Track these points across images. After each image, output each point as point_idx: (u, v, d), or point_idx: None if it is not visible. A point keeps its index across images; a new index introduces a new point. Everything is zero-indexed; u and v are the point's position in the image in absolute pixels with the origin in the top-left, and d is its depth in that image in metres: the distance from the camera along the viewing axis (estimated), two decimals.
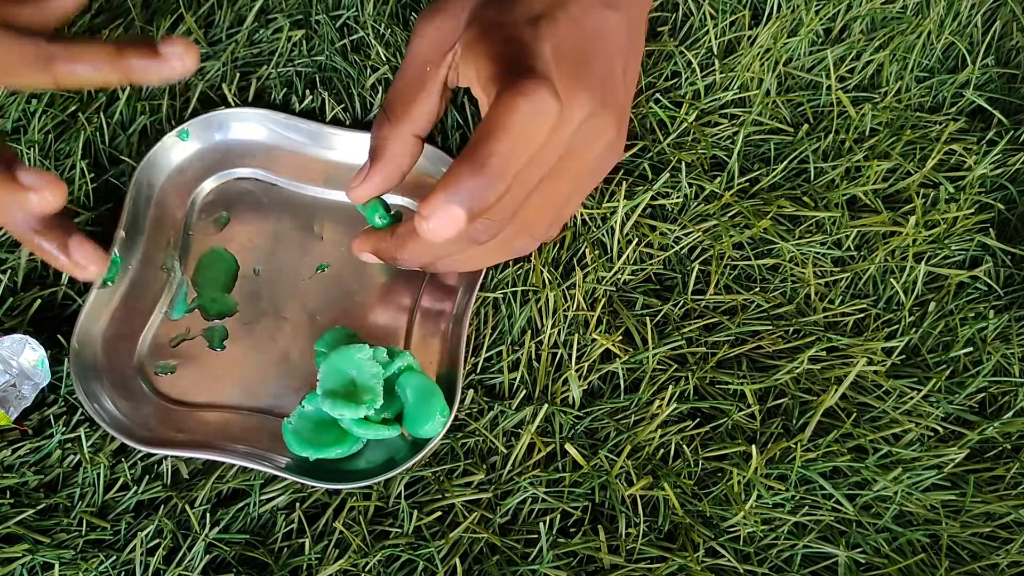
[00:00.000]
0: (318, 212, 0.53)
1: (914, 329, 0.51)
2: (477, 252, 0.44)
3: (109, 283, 0.48)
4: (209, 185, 0.53)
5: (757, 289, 0.52)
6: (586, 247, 0.51)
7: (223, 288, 0.50)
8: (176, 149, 0.52)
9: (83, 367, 0.46)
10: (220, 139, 0.53)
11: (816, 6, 0.59)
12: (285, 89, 0.54)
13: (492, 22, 0.41)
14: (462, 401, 0.47)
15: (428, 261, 0.46)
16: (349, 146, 0.53)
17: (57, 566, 0.42)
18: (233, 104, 0.53)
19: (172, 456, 0.45)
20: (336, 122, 0.54)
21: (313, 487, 0.45)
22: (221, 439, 0.46)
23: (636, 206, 0.51)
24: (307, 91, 0.54)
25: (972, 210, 0.55)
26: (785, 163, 0.55)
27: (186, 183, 0.52)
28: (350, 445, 0.45)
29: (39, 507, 0.43)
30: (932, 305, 0.52)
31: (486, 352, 0.48)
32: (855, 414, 0.48)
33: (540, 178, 0.41)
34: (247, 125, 0.53)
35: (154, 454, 0.45)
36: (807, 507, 0.46)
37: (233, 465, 0.45)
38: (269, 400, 0.48)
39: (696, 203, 0.53)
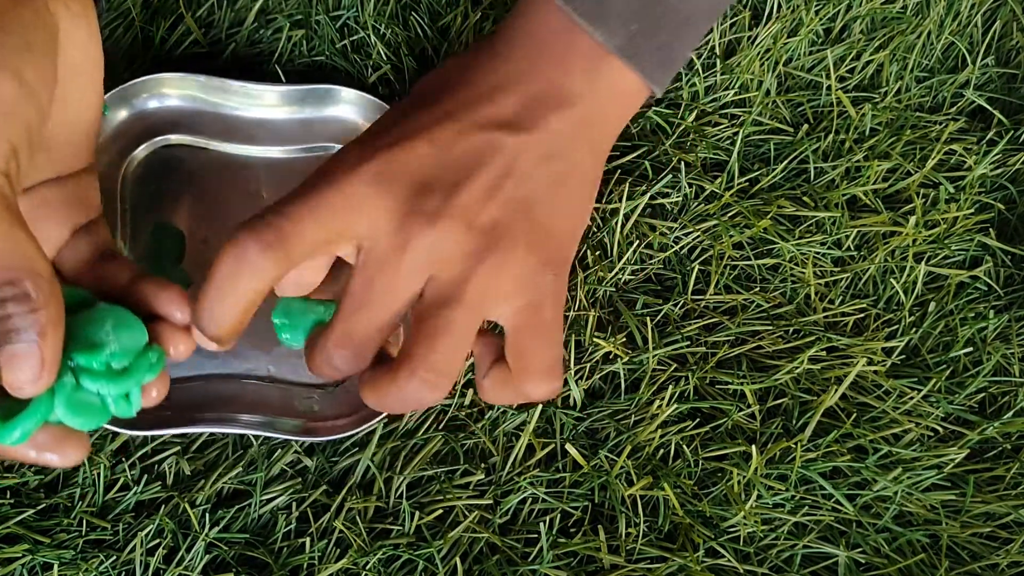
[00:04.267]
0: (256, 172, 0.51)
1: (914, 329, 0.51)
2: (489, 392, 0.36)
3: None
4: (138, 156, 0.51)
5: (757, 289, 0.52)
6: (587, 248, 0.51)
7: (173, 262, 0.47)
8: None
9: None
10: (141, 109, 0.51)
11: (816, 6, 0.59)
12: None
13: None
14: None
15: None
16: (277, 101, 0.52)
17: (57, 566, 0.42)
18: None
19: (169, 434, 0.45)
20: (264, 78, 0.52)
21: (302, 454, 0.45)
22: (202, 410, 0.46)
23: (636, 206, 0.51)
24: None
25: (972, 210, 0.55)
26: (785, 163, 0.55)
27: (112, 159, 0.50)
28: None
29: (39, 507, 0.43)
30: (932, 305, 0.52)
31: None
32: (855, 414, 0.48)
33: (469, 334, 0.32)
34: (166, 91, 0.51)
35: (157, 442, 0.45)
36: (807, 507, 0.46)
37: (234, 462, 0.45)
38: (244, 365, 0.48)
39: (696, 203, 0.53)
